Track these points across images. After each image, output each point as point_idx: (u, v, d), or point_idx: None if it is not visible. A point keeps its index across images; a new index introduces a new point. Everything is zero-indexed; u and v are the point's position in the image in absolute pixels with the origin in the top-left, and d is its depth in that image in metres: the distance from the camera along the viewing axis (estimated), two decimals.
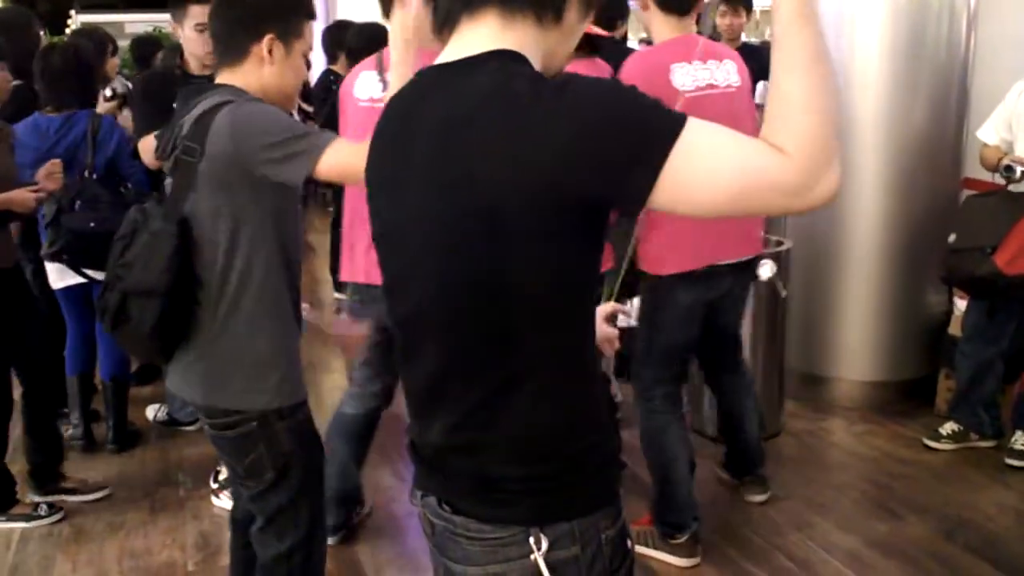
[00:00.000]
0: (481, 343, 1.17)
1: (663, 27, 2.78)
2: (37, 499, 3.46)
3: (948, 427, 3.86)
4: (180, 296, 1.94)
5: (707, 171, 1.03)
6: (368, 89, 2.86)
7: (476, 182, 1.09)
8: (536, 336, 1.15)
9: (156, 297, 1.92)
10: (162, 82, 3.34)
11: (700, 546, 2.97)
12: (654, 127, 1.04)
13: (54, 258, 3.55)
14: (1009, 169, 3.49)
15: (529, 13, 1.16)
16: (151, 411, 4.36)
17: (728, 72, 2.80)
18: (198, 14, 3.09)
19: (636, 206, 1.07)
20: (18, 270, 3.41)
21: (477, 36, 1.17)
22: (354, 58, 5.16)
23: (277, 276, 2.02)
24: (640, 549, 2.84)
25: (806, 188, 1.02)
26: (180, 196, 1.94)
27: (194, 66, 3.33)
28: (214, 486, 3.50)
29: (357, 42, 4.67)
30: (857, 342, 4.32)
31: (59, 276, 3.74)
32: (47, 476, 3.54)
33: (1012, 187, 3.55)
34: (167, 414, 4.27)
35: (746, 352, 3.91)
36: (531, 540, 1.17)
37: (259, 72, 2.01)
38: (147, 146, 3.01)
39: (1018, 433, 3.70)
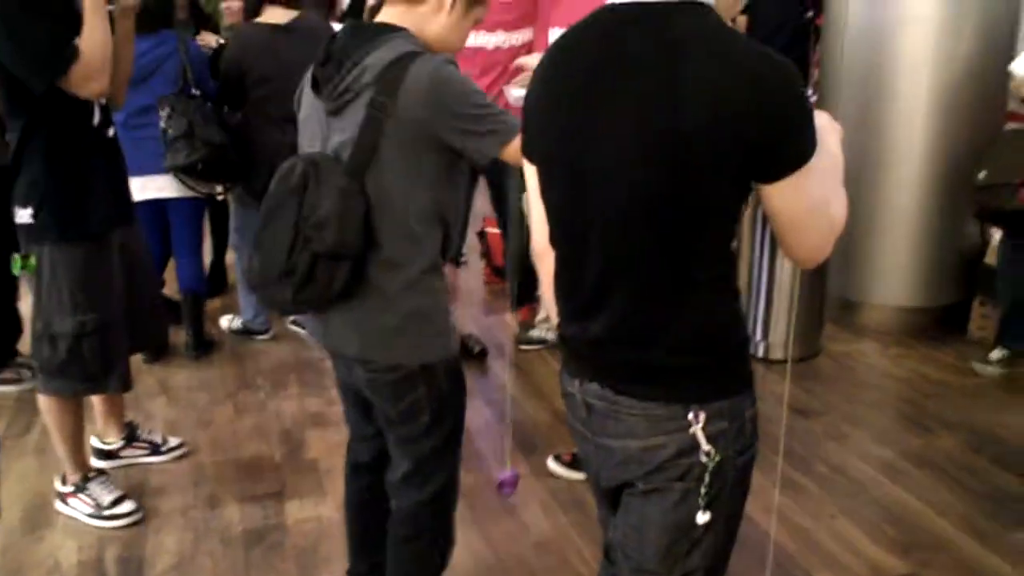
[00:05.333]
0: (660, 257, 1.35)
1: None
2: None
3: (996, 353, 4.06)
4: (363, 258, 1.88)
5: (814, 189, 1.33)
6: None
7: (680, 122, 1.25)
8: (711, 249, 1.36)
9: (347, 260, 1.84)
10: None
11: None
12: (809, 144, 1.29)
13: (188, 170, 3.80)
14: None
15: None
16: (225, 321, 4.64)
17: None
18: None
19: (769, 179, 1.30)
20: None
21: None
22: None
23: (439, 232, 1.96)
24: None
25: (823, 254, 1.42)
26: (366, 153, 1.82)
27: None
28: (65, 489, 3.04)
29: None
30: (894, 269, 4.52)
31: (138, 191, 3.97)
32: (4, 352, 3.88)
33: None
34: (241, 323, 4.55)
35: (788, 277, 4.15)
36: (691, 415, 1.39)
37: (433, 19, 1.90)
38: None
39: None
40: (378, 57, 1.82)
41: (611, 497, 1.61)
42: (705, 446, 1.40)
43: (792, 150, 1.28)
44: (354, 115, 1.85)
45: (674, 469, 1.43)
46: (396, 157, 1.83)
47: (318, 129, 1.95)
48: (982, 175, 3.82)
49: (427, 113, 1.81)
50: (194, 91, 3.86)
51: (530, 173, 1.54)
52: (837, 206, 1.40)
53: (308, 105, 2.00)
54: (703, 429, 1.40)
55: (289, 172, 1.89)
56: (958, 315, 4.53)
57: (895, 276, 4.54)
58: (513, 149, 1.79)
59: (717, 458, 1.41)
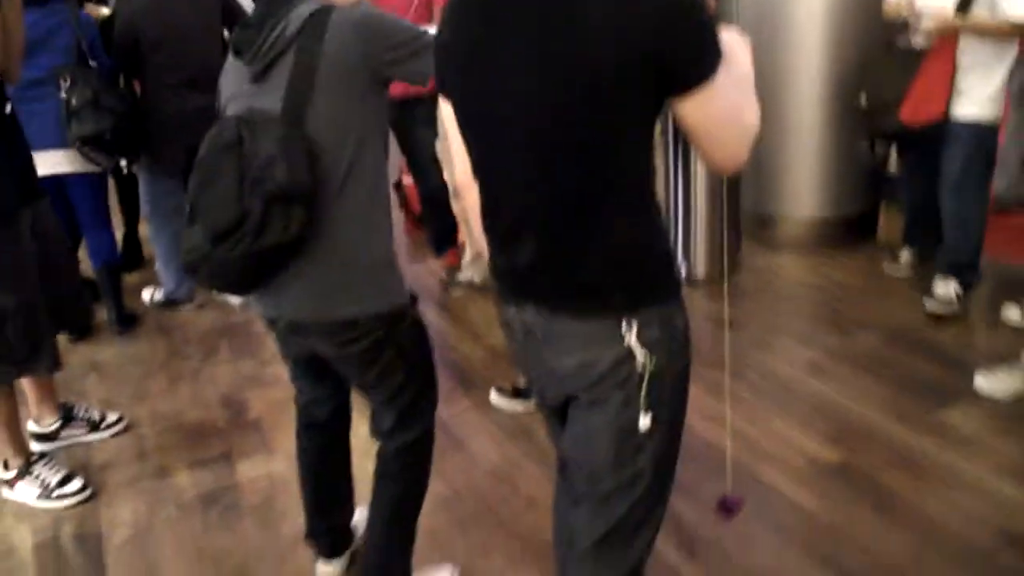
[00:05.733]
0: (578, 180, 1.40)
1: None
2: None
3: (903, 255, 4.27)
4: (315, 203, 1.83)
5: (725, 99, 1.36)
6: None
7: (585, 44, 1.29)
8: (629, 166, 1.41)
9: (300, 202, 1.79)
10: None
11: None
12: (714, 53, 1.33)
13: (95, 140, 3.68)
14: (901, 28, 3.65)
15: None
16: (146, 294, 4.57)
17: None
18: None
19: (679, 95, 1.33)
20: None
21: None
22: None
23: (382, 173, 1.98)
24: None
25: (740, 160, 1.44)
26: (301, 100, 1.82)
27: None
28: (8, 475, 2.99)
29: None
30: (805, 183, 4.69)
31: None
32: None
33: (912, 42, 3.78)
34: (163, 295, 4.48)
35: (705, 199, 4.28)
36: (624, 326, 1.45)
37: None
38: None
39: (937, 277, 3.91)
40: (298, 13, 1.84)
41: (558, 414, 1.67)
42: (640, 354, 1.46)
43: (697, 65, 1.33)
44: (282, 72, 1.84)
45: (613, 378, 1.49)
46: (330, 102, 1.83)
47: (243, 102, 1.91)
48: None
49: (359, 49, 1.83)
50: (91, 62, 3.74)
51: (448, 110, 1.57)
52: (749, 114, 1.45)
53: (232, 80, 1.97)
54: (637, 338, 1.45)
55: (219, 132, 1.84)
56: (867, 222, 4.74)
57: (806, 189, 4.71)
58: None
59: (652, 364, 1.47)
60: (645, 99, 1.35)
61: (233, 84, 1.97)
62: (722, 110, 1.38)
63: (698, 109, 1.36)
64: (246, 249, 1.80)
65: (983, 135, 3.68)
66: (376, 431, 2.24)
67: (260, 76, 1.88)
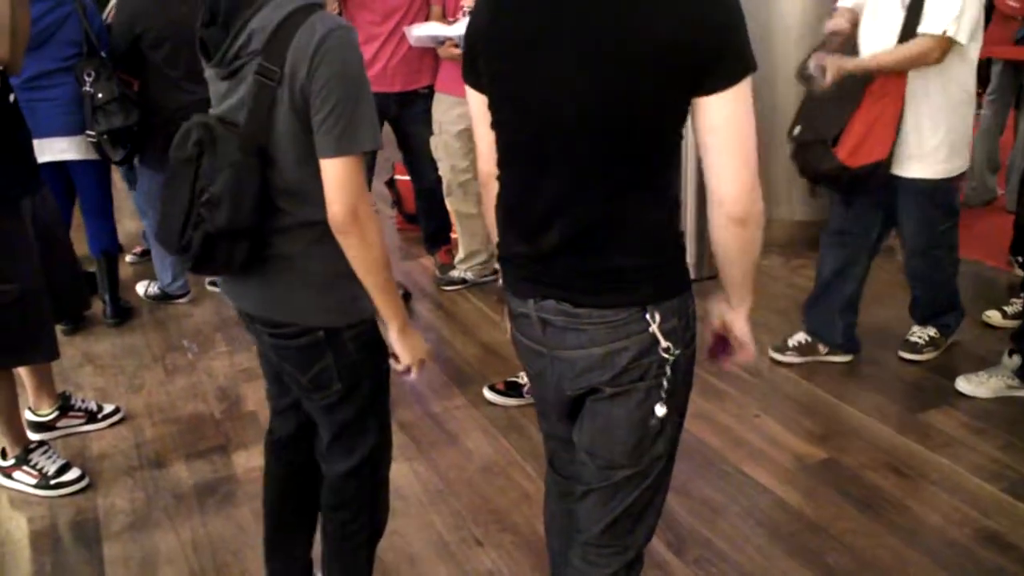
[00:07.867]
0: (613, 163, 1.47)
1: None
2: None
3: (796, 338, 3.63)
4: (262, 230, 1.81)
5: (740, 116, 1.42)
6: None
7: (635, 33, 1.37)
8: (655, 154, 1.49)
9: (245, 238, 1.78)
10: None
11: None
12: (750, 58, 1.41)
13: (122, 134, 3.77)
14: (808, 78, 3.20)
15: None
16: (141, 287, 4.59)
17: None
18: None
19: (719, 87, 1.39)
20: None
21: None
22: None
23: None
24: None
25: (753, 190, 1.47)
26: (259, 124, 1.73)
27: None
28: (7, 464, 3.02)
29: None
30: (790, 186, 4.74)
31: (40, 152, 3.87)
32: None
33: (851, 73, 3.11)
34: (158, 288, 4.51)
35: (692, 202, 4.34)
36: (647, 316, 1.52)
37: None
38: None
39: (915, 327, 3.62)
40: (265, 18, 1.71)
41: (570, 407, 1.72)
42: (663, 343, 1.53)
43: (738, 59, 1.40)
44: (246, 80, 1.75)
45: (637, 370, 1.56)
46: (290, 122, 1.73)
47: (215, 88, 1.87)
48: (797, 130, 3.35)
49: (305, 74, 1.68)
50: (103, 54, 3.78)
51: (476, 102, 1.62)
52: (751, 148, 1.46)
53: (210, 74, 1.89)
54: (659, 327, 1.52)
55: (183, 140, 1.80)
56: None
57: (790, 193, 4.78)
58: (350, 167, 1.70)
59: (672, 353, 1.54)
60: (685, 90, 1.41)
61: (210, 75, 1.88)
62: (743, 115, 1.42)
63: (728, 107, 1.41)
64: (191, 268, 1.90)
65: (936, 192, 3.21)
66: (319, 451, 2.12)
67: (228, 76, 1.80)
